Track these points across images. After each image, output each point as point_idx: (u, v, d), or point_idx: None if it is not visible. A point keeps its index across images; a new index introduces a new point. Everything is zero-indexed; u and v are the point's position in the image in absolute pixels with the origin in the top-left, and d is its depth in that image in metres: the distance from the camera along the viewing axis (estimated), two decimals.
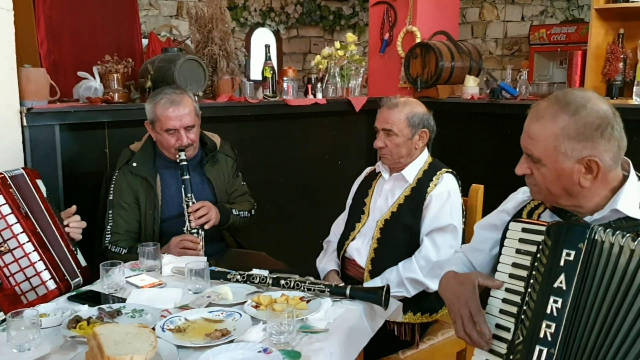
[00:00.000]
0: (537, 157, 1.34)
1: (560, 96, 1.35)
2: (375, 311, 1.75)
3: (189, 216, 2.24)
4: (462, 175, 2.26)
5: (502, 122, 3.34)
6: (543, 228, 1.32)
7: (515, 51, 5.82)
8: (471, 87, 3.52)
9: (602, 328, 1.20)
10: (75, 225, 2.09)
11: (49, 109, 2.53)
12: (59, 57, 3.12)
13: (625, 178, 1.36)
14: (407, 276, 2.11)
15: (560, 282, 1.23)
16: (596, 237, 1.23)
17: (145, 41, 3.88)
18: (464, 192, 2.26)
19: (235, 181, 2.57)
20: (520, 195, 1.58)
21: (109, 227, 2.31)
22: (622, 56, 2.96)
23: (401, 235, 2.17)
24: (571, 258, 1.23)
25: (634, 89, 2.77)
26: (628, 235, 1.21)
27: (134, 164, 2.33)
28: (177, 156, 2.29)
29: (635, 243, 1.19)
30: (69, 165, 2.62)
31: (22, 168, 2.05)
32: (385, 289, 1.68)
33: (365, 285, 2.15)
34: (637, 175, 1.39)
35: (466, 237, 2.17)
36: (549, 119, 1.33)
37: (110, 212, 2.32)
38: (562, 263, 1.24)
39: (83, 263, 2.07)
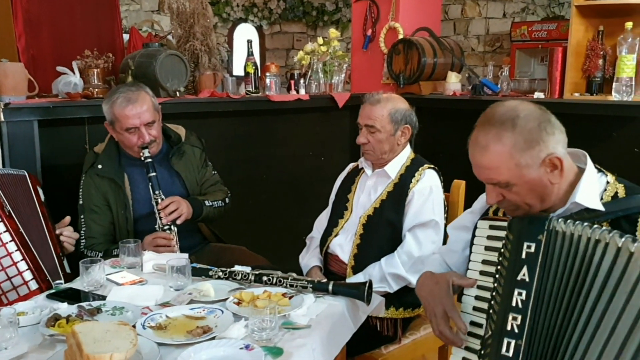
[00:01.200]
0: (505, 182, 1.34)
1: (490, 119, 1.35)
2: (357, 307, 1.75)
3: (159, 213, 2.21)
4: (444, 171, 2.27)
5: None
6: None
7: (497, 48, 5.86)
8: (453, 83, 3.54)
9: (564, 316, 1.22)
10: (68, 234, 2.06)
11: (27, 105, 2.49)
12: (37, 51, 3.06)
13: (581, 171, 1.39)
14: (389, 271, 2.11)
15: (524, 275, 1.27)
16: (555, 228, 1.26)
17: (126, 36, 3.83)
18: (446, 188, 2.27)
19: (205, 171, 2.54)
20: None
21: (82, 232, 2.27)
22: (601, 53, 2.98)
23: (384, 231, 2.17)
24: (532, 250, 1.27)
25: (613, 86, 2.79)
26: (586, 224, 1.24)
27: (99, 166, 2.30)
28: (141, 154, 2.26)
29: (591, 230, 1.22)
30: (47, 162, 2.59)
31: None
32: (367, 284, 1.69)
33: (347, 281, 2.15)
34: (596, 167, 1.42)
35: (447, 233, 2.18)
36: (496, 144, 1.32)
37: (82, 217, 2.29)
38: (523, 256, 1.28)
39: (68, 270, 2.05)
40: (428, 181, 2.17)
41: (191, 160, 2.48)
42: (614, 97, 2.78)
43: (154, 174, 2.25)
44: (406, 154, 2.27)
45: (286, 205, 3.60)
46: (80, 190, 2.32)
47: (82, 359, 1.22)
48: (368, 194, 2.27)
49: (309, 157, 3.68)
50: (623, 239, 1.17)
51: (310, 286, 1.73)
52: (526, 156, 1.31)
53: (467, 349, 1.38)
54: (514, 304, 1.26)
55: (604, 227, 1.23)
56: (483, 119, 1.38)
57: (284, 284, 1.75)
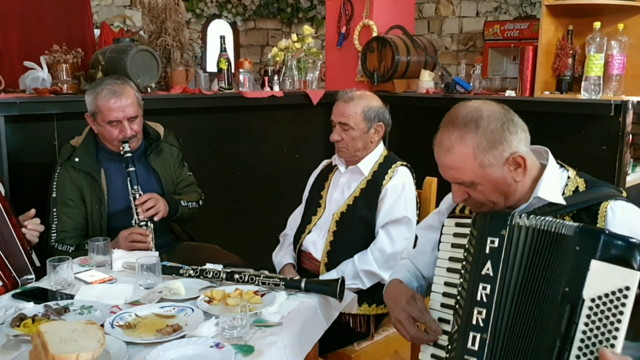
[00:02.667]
0: (470, 181, 1.36)
1: (453, 120, 1.37)
2: (330, 303, 1.75)
3: (136, 209, 2.19)
4: (416, 169, 2.29)
5: None
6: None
7: (470, 46, 5.91)
8: (426, 81, 3.56)
9: (526, 307, 1.25)
10: (32, 227, 2.02)
11: None
12: (4, 46, 2.99)
13: (543, 167, 1.42)
14: (362, 268, 2.12)
15: (487, 269, 1.29)
16: (519, 224, 1.29)
17: (97, 32, 3.76)
18: (418, 185, 2.28)
19: (181, 171, 2.54)
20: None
21: (54, 225, 2.23)
22: (571, 52, 3.03)
23: (357, 227, 2.18)
24: (495, 245, 1.30)
25: (582, 84, 2.84)
26: (546, 218, 1.27)
27: (76, 159, 2.26)
28: (121, 148, 2.24)
29: (549, 222, 1.26)
30: (14, 158, 2.52)
31: None
32: (340, 281, 1.69)
33: (320, 278, 2.15)
34: (558, 163, 1.45)
35: None
36: (459, 145, 1.34)
37: (55, 210, 2.25)
38: (487, 251, 1.30)
39: (37, 264, 2.01)
40: (401, 178, 2.18)
41: (168, 159, 2.47)
42: (583, 95, 2.83)
43: (132, 168, 2.22)
44: (379, 152, 2.27)
45: (260, 203, 3.58)
46: (55, 182, 2.27)
47: None
48: (341, 191, 2.27)
49: (283, 154, 3.66)
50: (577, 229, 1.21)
51: (282, 284, 1.73)
52: (489, 156, 1.33)
53: (436, 345, 1.40)
54: (478, 298, 1.28)
55: (562, 220, 1.26)
56: (447, 120, 1.40)
57: (256, 282, 1.74)
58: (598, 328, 1.14)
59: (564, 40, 3.05)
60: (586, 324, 1.15)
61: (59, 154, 2.39)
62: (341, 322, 2.05)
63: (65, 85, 2.71)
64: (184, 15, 3.21)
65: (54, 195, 2.26)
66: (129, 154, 2.23)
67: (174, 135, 2.55)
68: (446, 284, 1.42)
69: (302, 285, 1.72)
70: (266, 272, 1.79)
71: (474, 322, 1.27)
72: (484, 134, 1.33)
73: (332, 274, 2.13)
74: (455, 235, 1.43)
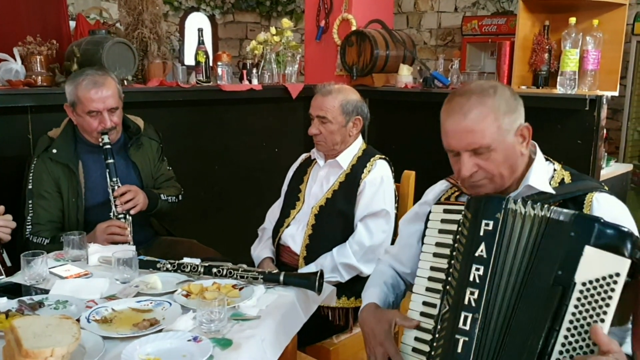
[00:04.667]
0: (487, 145, 1.36)
1: (468, 90, 1.40)
2: (308, 297, 1.75)
3: (115, 201, 2.17)
4: (394, 162, 2.30)
5: (434, 111, 3.40)
6: (462, 208, 1.40)
7: (448, 41, 5.95)
8: (405, 76, 3.57)
9: (518, 289, 1.28)
10: (3, 223, 1.97)
11: None
12: None
13: (531, 159, 1.46)
14: (341, 261, 2.12)
15: (481, 251, 1.31)
16: (512, 207, 1.31)
17: (73, 23, 3.70)
18: (396, 179, 2.29)
19: (161, 165, 2.52)
20: (439, 187, 1.65)
21: (29, 217, 2.20)
22: (547, 47, 3.06)
23: (336, 221, 2.18)
24: (490, 228, 1.31)
25: (558, 79, 2.87)
26: (539, 204, 1.30)
27: (54, 151, 2.23)
28: (100, 140, 2.21)
29: (543, 211, 1.29)
30: None
31: None
32: (318, 274, 1.69)
33: (299, 271, 2.15)
34: (545, 157, 1.49)
35: (398, 223, 2.20)
36: (479, 107, 1.36)
37: (30, 202, 2.21)
38: (481, 233, 1.32)
39: (8, 263, 1.96)
40: (379, 171, 2.19)
41: (148, 153, 2.45)
42: (559, 90, 2.86)
43: (112, 160, 2.20)
44: (358, 145, 2.28)
45: (239, 197, 3.56)
46: (31, 174, 2.23)
47: (20, 355, 1.17)
48: (320, 184, 2.27)
49: (262, 148, 3.65)
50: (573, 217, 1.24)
51: (261, 277, 1.72)
52: (507, 120, 1.36)
53: (420, 328, 1.40)
54: (471, 279, 1.30)
55: (554, 207, 1.29)
56: (459, 91, 1.42)
57: (235, 276, 1.74)
58: (587, 311, 1.18)
59: (541, 35, 3.08)
60: (576, 307, 1.19)
61: (34, 146, 2.35)
62: (320, 315, 2.05)
63: (40, 78, 2.66)
64: (161, 7, 3.18)
65: (30, 187, 2.23)
66: (108, 146, 2.21)
67: (154, 129, 2.53)
68: (432, 268, 1.42)
69: (281, 278, 1.71)
70: (244, 266, 1.78)
71: (466, 302, 1.29)
72: (501, 98, 1.37)
73: (311, 268, 2.13)
74: (443, 221, 1.44)
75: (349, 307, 2.17)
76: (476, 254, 1.31)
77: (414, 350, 1.40)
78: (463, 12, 5.80)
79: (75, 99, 2.19)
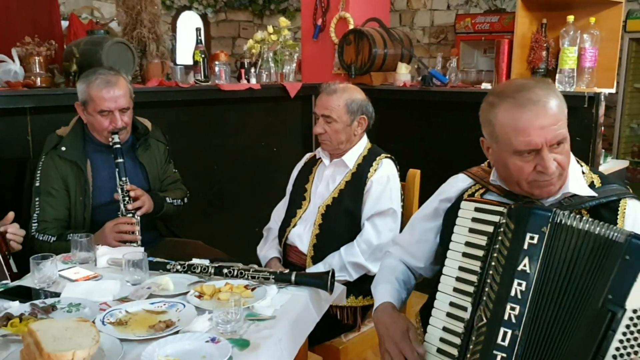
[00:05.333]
0: (564, 136, 1.31)
1: (524, 84, 1.35)
2: (320, 296, 1.75)
3: (124, 199, 2.16)
4: (397, 161, 2.30)
5: (433, 109, 3.42)
6: (497, 209, 1.34)
7: (442, 39, 5.97)
8: (403, 74, 3.58)
9: (563, 309, 1.22)
10: (13, 231, 1.95)
11: None
12: None
13: None
14: (349, 260, 2.12)
15: (524, 266, 1.24)
16: (560, 221, 1.24)
17: (65, 23, 3.66)
18: (401, 177, 2.29)
19: (167, 167, 2.52)
20: (460, 182, 1.59)
21: (35, 215, 2.18)
22: (545, 45, 3.08)
23: (342, 220, 2.18)
24: (535, 242, 1.24)
25: (557, 77, 2.90)
26: (590, 219, 1.24)
27: (63, 148, 2.22)
28: (110, 139, 2.20)
29: (594, 226, 1.22)
30: None
31: None
32: (330, 273, 1.69)
33: (308, 271, 2.15)
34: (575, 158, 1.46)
35: (404, 221, 2.21)
36: (552, 98, 1.30)
37: (37, 199, 2.20)
38: (525, 247, 1.25)
39: (15, 269, 1.94)
40: (385, 170, 2.19)
41: (155, 155, 2.45)
42: (557, 87, 2.88)
43: (121, 160, 2.19)
44: (363, 144, 2.28)
45: (238, 197, 3.55)
46: (38, 171, 2.22)
47: (42, 359, 1.16)
48: (326, 183, 2.27)
49: (261, 147, 3.64)
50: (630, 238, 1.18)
51: (272, 277, 1.72)
52: (566, 111, 1.33)
53: (447, 330, 1.36)
54: (512, 294, 1.23)
55: (607, 224, 1.23)
56: (517, 87, 1.34)
57: (246, 276, 1.73)
58: (635, 339, 1.14)
59: (538, 33, 3.10)
60: (624, 334, 1.14)
61: (34, 148, 2.33)
62: (328, 314, 2.04)
63: (39, 79, 2.63)
64: (160, 6, 3.16)
65: (37, 184, 2.21)
66: (118, 145, 2.20)
67: (161, 132, 2.53)
68: (460, 268, 1.36)
69: (293, 278, 1.71)
70: (255, 266, 1.78)
71: (506, 317, 1.23)
72: (560, 95, 1.33)
73: (319, 267, 2.14)
74: (475, 220, 1.37)
75: (357, 306, 2.17)
76: (518, 269, 1.24)
77: (439, 351, 1.36)
78: (456, 9, 5.82)
79: (87, 97, 2.18)
